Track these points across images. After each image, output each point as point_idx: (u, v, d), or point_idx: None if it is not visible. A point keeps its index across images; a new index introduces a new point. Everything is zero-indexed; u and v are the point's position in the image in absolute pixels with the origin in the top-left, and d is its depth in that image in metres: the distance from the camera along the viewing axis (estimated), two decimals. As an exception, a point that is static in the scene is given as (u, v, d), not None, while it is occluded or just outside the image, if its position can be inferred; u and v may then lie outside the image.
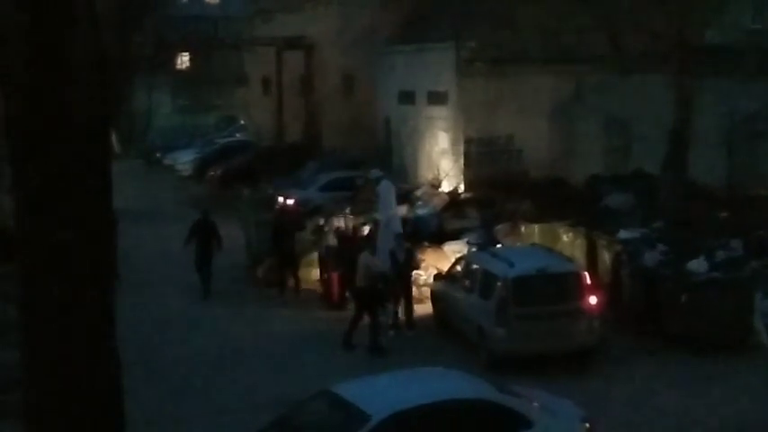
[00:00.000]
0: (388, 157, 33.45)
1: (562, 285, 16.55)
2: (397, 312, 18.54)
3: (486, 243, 20.85)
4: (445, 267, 19.66)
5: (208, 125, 54.21)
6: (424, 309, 19.32)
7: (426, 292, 19.77)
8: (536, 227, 21.60)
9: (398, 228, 19.81)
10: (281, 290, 21.25)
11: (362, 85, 35.79)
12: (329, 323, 19.06)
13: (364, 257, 18.10)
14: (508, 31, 27.10)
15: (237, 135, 47.32)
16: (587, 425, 11.50)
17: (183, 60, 56.99)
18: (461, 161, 28.98)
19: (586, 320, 16.35)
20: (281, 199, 25.22)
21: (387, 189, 20.75)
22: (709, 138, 25.25)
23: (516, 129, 28.74)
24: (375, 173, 27.72)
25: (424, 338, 18.00)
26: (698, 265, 17.68)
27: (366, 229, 21.71)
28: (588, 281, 16.69)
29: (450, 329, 18.05)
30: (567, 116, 28.93)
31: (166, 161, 44.44)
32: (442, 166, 29.75)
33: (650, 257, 18.26)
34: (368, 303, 17.68)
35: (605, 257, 19.09)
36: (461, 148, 29.07)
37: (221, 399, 15.13)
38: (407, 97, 32.51)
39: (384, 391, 11.10)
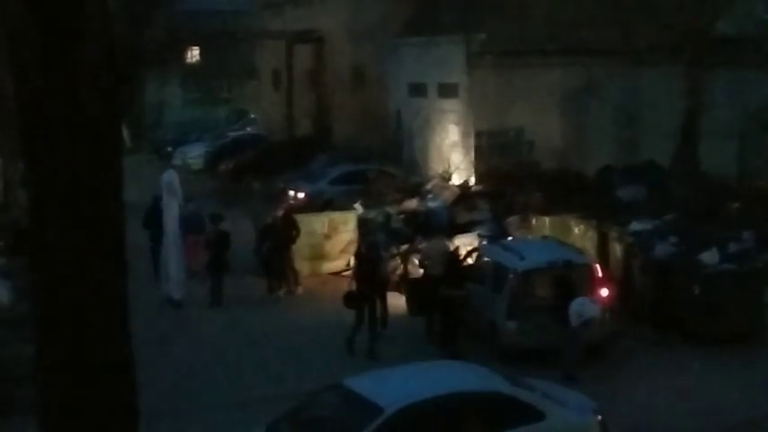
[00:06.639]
0: (399, 150, 33.42)
1: (574, 278, 16.52)
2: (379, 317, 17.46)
3: (496, 236, 20.82)
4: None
5: (218, 119, 54.21)
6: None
7: None
8: (547, 219, 21.54)
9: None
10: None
11: (373, 77, 35.72)
12: (337, 317, 19.09)
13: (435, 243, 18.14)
14: (518, 23, 27.03)
15: (248, 129, 47.29)
16: (599, 417, 11.51)
17: (194, 54, 56.92)
18: (472, 154, 28.92)
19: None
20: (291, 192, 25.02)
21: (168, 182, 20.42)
22: (721, 129, 25.15)
23: (527, 121, 28.66)
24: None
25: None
26: (710, 257, 17.63)
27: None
28: (600, 273, 16.66)
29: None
30: (577, 108, 28.83)
31: (177, 155, 44.44)
32: (453, 158, 29.70)
33: (662, 249, 18.22)
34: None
35: (617, 249, 19.04)
36: (472, 141, 29.00)
37: (230, 392, 15.18)
38: (418, 90, 32.46)
39: (396, 385, 11.13)
